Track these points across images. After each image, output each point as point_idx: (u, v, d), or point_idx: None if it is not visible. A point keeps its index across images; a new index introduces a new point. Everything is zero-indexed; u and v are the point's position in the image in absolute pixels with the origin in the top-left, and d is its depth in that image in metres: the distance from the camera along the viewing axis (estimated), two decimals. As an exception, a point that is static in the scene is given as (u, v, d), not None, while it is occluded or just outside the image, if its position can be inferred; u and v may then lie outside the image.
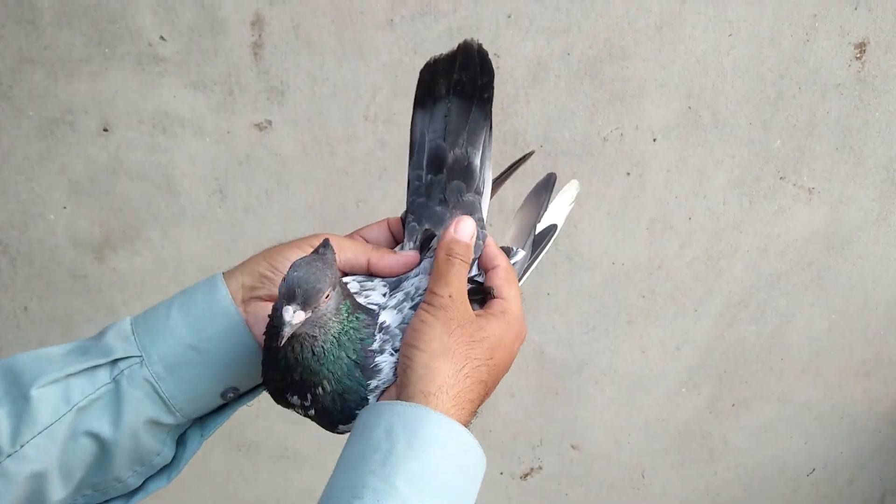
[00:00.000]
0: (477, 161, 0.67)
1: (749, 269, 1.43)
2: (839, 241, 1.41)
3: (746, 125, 1.29)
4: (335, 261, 0.58)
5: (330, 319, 0.58)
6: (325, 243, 0.58)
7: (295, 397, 0.60)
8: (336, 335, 0.58)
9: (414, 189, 0.68)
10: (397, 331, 0.61)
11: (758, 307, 1.47)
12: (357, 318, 0.60)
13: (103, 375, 0.60)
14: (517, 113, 1.28)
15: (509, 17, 1.21)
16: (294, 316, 0.54)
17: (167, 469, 0.66)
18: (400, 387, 0.58)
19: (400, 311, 0.63)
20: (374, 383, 0.60)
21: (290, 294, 0.54)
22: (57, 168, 1.30)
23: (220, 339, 0.62)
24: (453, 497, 0.54)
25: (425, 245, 0.67)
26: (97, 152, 1.29)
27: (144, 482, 0.66)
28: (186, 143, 1.28)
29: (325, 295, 0.55)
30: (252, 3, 1.18)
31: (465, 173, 0.67)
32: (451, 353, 0.57)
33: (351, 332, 0.59)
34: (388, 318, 0.62)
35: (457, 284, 0.60)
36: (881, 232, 1.41)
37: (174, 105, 1.25)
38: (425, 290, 0.62)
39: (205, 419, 0.67)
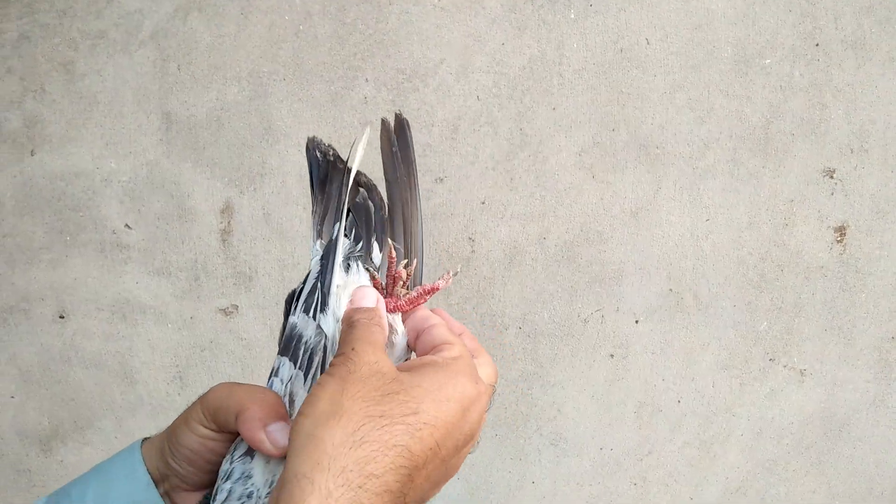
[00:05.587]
0: None
1: (745, 455, 1.34)
2: (837, 423, 1.34)
3: (731, 307, 1.25)
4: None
5: None
6: None
7: None
8: None
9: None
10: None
11: (757, 494, 1.37)
12: None
13: None
14: (494, 295, 1.24)
15: (483, 203, 1.19)
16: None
17: None
18: None
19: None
20: None
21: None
22: (7, 357, 1.22)
23: None
24: None
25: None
26: (51, 340, 1.22)
27: None
28: (147, 330, 1.22)
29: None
30: (222, 193, 1.16)
31: None
32: (342, 412, 0.40)
33: None
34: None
35: (360, 340, 0.46)
36: (879, 414, 1.34)
37: (136, 292, 1.20)
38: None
39: None
